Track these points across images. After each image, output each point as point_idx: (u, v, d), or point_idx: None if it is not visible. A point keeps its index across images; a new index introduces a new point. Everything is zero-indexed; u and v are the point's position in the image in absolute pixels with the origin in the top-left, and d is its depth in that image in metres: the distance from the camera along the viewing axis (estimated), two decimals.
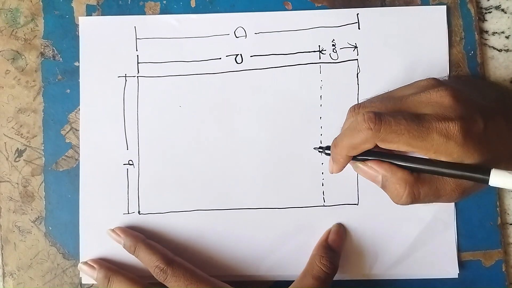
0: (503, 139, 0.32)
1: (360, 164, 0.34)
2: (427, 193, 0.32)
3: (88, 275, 0.38)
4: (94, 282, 0.39)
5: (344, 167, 0.35)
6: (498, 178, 0.30)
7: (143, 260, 0.37)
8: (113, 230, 0.39)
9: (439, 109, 0.31)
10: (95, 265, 0.38)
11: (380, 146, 0.32)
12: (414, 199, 0.32)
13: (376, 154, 0.33)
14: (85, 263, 0.39)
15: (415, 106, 0.32)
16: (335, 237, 0.39)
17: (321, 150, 0.37)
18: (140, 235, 0.39)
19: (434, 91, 0.32)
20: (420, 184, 0.32)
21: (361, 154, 0.33)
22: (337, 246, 0.38)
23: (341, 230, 0.39)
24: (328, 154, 0.36)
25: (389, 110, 0.32)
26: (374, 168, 0.33)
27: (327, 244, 0.38)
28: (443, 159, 0.31)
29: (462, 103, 0.31)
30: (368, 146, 0.32)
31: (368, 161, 0.33)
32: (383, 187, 0.33)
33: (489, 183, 0.30)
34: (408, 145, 0.30)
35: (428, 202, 0.33)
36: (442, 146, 0.30)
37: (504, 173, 0.29)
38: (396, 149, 0.31)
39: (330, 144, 0.35)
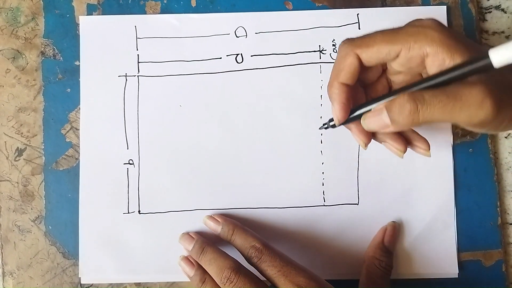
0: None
1: (365, 115, 0.32)
2: (434, 94, 0.29)
3: (184, 246, 0.38)
4: (94, 282, 0.39)
5: (345, 106, 0.32)
6: (499, 55, 0.27)
7: (238, 242, 0.37)
8: (210, 217, 0.39)
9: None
10: (194, 236, 0.39)
11: (362, 58, 0.31)
12: (419, 101, 0.29)
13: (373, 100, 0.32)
14: (185, 233, 0.39)
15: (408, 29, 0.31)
16: (391, 238, 0.39)
17: (325, 126, 0.35)
18: (237, 222, 0.39)
19: (426, 19, 0.31)
20: (422, 91, 0.29)
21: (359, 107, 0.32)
22: (391, 247, 0.39)
23: (396, 231, 0.39)
24: (332, 126, 0.34)
25: (388, 33, 0.31)
26: (378, 109, 0.31)
27: (384, 246, 0.39)
28: (428, 49, 0.30)
29: (449, 30, 0.31)
30: (351, 60, 0.32)
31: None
32: (391, 117, 0.30)
33: (494, 66, 0.27)
34: (386, 42, 0.30)
35: (447, 107, 0.29)
36: (421, 33, 0.30)
37: (502, 47, 0.26)
38: (378, 55, 0.31)
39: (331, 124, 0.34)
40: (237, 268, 0.35)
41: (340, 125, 0.33)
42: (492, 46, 0.27)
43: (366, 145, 0.34)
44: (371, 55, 0.31)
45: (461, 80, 0.29)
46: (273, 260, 0.35)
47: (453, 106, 0.28)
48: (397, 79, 0.34)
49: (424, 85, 0.30)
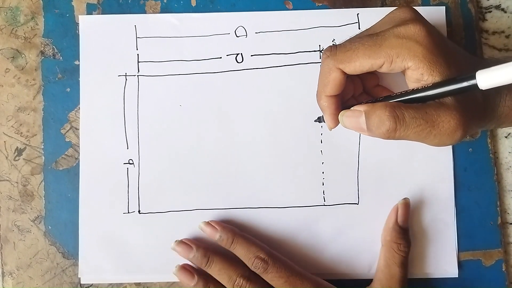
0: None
1: (344, 112, 0.33)
2: (415, 116, 0.29)
3: (183, 255, 0.38)
4: (94, 282, 0.39)
5: (335, 115, 0.34)
6: (486, 78, 0.27)
7: (241, 251, 0.37)
8: (207, 223, 0.39)
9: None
10: (192, 245, 0.38)
11: (346, 72, 0.32)
12: (398, 121, 0.29)
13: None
14: (180, 242, 0.38)
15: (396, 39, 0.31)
16: (404, 217, 0.39)
17: (319, 119, 0.38)
18: (235, 228, 0.38)
19: (412, 25, 0.31)
20: (404, 107, 0.30)
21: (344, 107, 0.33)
22: (406, 225, 0.39)
23: (408, 208, 0.39)
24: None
25: (370, 46, 0.31)
26: (357, 109, 0.31)
27: (399, 227, 0.38)
28: (409, 63, 0.30)
29: (435, 34, 0.31)
30: (335, 75, 0.32)
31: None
32: (368, 125, 0.31)
33: (479, 87, 0.27)
34: (368, 57, 0.30)
35: (423, 132, 0.29)
36: (403, 47, 0.30)
37: (489, 70, 0.26)
38: (361, 68, 0.31)
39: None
40: (248, 276, 0.36)
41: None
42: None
43: (331, 129, 0.35)
44: (354, 69, 0.32)
45: (440, 100, 0.30)
46: (279, 271, 0.36)
47: (429, 132, 0.29)
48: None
49: (405, 98, 0.31)
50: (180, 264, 0.38)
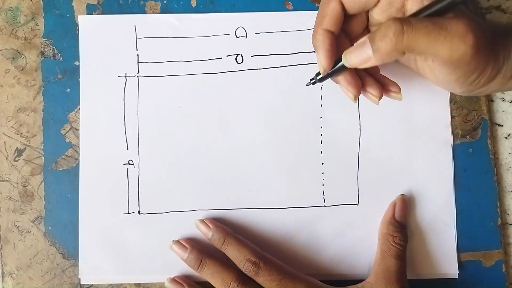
0: None
1: (346, 50, 0.31)
2: (421, 20, 0.28)
3: (178, 255, 0.38)
4: (93, 282, 0.39)
5: (330, 52, 0.32)
6: None
7: (232, 253, 0.37)
8: (202, 221, 0.39)
9: None
10: (187, 246, 0.38)
11: (344, 5, 0.31)
12: (404, 22, 0.28)
13: None
14: (177, 242, 0.39)
15: None
16: (402, 212, 0.39)
17: (312, 80, 0.35)
18: (228, 229, 0.38)
19: None
20: (411, 16, 0.29)
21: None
22: (404, 220, 0.39)
23: (405, 204, 0.39)
24: (320, 80, 0.34)
25: None
26: (360, 41, 0.30)
27: (396, 221, 0.38)
28: None
29: None
30: (333, 5, 0.32)
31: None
32: (373, 46, 0.29)
33: None
34: None
35: (432, 34, 0.28)
36: None
37: None
38: None
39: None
40: (242, 279, 0.36)
41: (326, 77, 0.32)
42: None
43: (355, 97, 0.33)
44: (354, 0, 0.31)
45: (443, 15, 0.29)
46: (270, 274, 0.36)
47: (438, 34, 0.28)
48: None
49: None
50: (171, 277, 0.39)
